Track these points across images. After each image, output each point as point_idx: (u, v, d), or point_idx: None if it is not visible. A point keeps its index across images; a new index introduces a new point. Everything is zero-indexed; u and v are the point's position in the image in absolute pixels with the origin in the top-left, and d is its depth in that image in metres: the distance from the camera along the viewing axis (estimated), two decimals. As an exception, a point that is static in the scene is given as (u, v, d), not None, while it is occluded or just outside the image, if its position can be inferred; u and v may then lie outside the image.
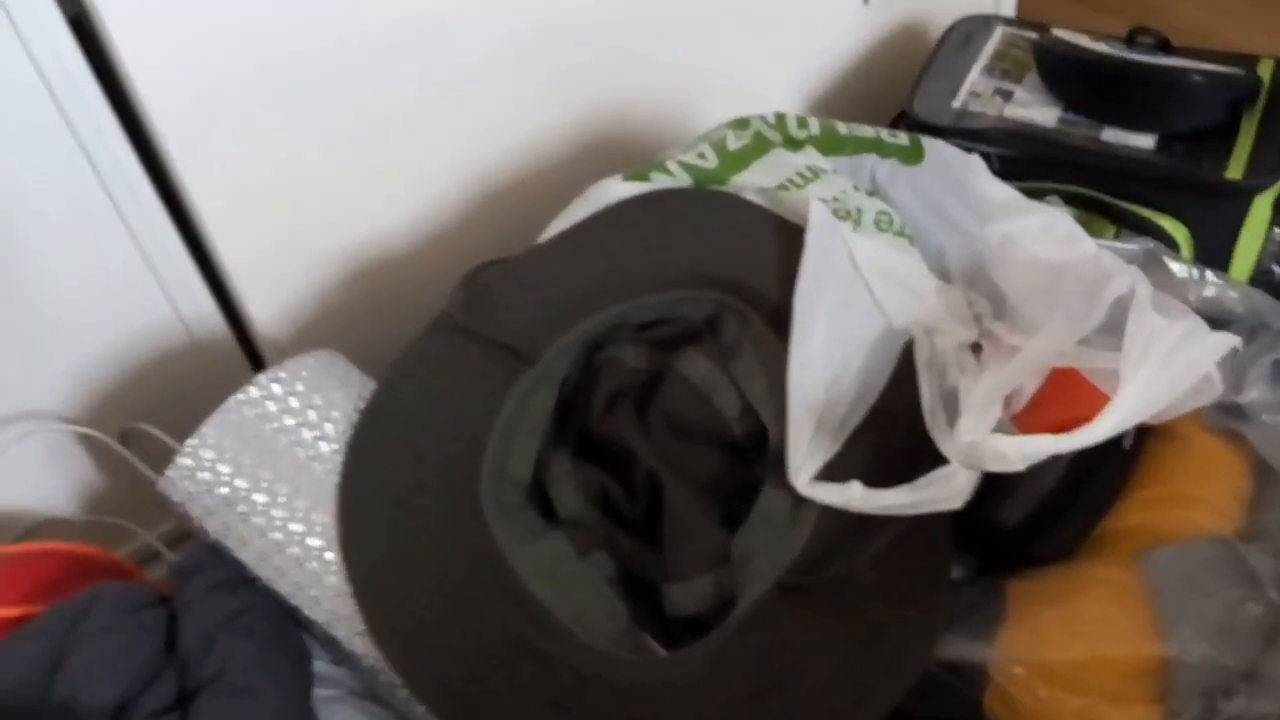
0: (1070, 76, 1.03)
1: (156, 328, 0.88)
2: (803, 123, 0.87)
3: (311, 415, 0.72)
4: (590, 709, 0.63)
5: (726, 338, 0.74)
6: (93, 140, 0.75)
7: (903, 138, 0.87)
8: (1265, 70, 1.01)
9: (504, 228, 0.94)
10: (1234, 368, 0.73)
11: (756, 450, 0.71)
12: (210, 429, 0.71)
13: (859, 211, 0.78)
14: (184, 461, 0.71)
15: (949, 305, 0.75)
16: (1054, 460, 0.65)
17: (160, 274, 0.85)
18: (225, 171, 0.82)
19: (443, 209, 0.96)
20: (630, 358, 0.76)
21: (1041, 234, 0.77)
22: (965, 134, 0.99)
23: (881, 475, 0.65)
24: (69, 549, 0.78)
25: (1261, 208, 0.94)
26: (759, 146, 0.83)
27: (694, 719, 0.63)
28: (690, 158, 0.82)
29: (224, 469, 0.70)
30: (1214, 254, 0.93)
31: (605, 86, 1.01)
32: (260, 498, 0.70)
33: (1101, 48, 1.03)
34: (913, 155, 0.86)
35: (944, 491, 0.64)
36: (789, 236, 0.75)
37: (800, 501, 0.66)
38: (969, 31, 1.13)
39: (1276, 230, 0.98)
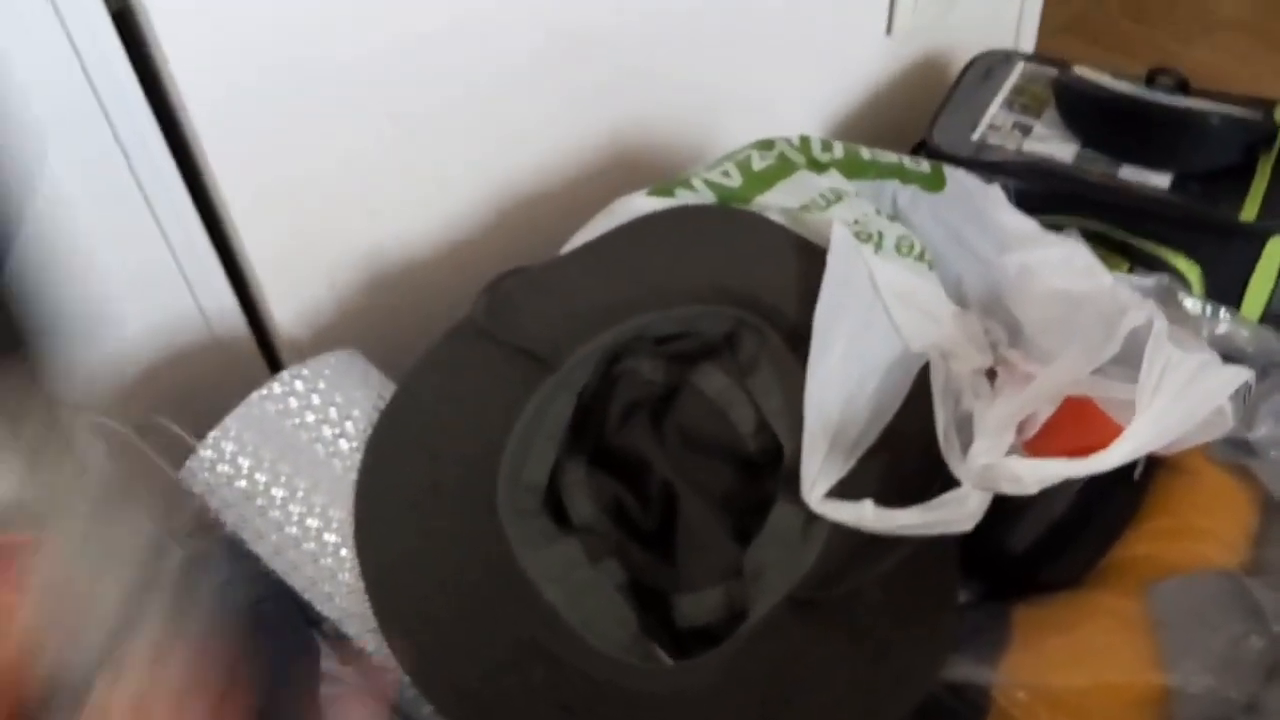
0: (1089, 113, 1.04)
1: (178, 322, 0.88)
2: (827, 146, 0.88)
3: (333, 413, 0.73)
4: (600, 714, 0.63)
5: (744, 354, 0.75)
6: (130, 135, 0.76)
7: (924, 165, 0.88)
8: (1282, 115, 1.02)
9: (526, 238, 0.95)
10: (1245, 404, 0.74)
11: (770, 466, 0.72)
12: (233, 422, 0.71)
13: (880, 235, 0.79)
14: (205, 453, 0.71)
15: (966, 331, 0.76)
16: (1064, 487, 0.66)
17: (185, 269, 0.86)
18: (256, 170, 0.83)
19: (466, 216, 0.97)
20: (648, 370, 0.77)
21: (1059, 265, 0.78)
22: (983, 166, 1.00)
23: (894, 495, 0.66)
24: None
25: (1275, 250, 0.95)
26: (783, 168, 0.84)
27: (702, 728, 0.63)
28: (715, 176, 0.83)
29: (244, 462, 0.71)
30: (1225, 294, 0.94)
31: (629, 103, 1.03)
32: (279, 492, 0.70)
33: (1121, 86, 1.04)
34: (934, 183, 0.87)
35: (955, 513, 0.65)
36: (810, 257, 0.76)
37: (812, 518, 0.67)
38: (990, 65, 1.15)
39: (1288, 273, 0.99)
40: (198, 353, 0.90)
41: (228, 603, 0.67)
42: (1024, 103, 1.09)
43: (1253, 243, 0.95)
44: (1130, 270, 0.95)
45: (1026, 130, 1.06)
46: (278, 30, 0.79)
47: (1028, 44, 1.38)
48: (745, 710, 0.63)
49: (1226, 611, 0.66)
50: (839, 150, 0.88)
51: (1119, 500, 0.71)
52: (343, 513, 0.70)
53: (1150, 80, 1.06)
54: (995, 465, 0.63)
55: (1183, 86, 1.05)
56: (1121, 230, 0.97)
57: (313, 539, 0.70)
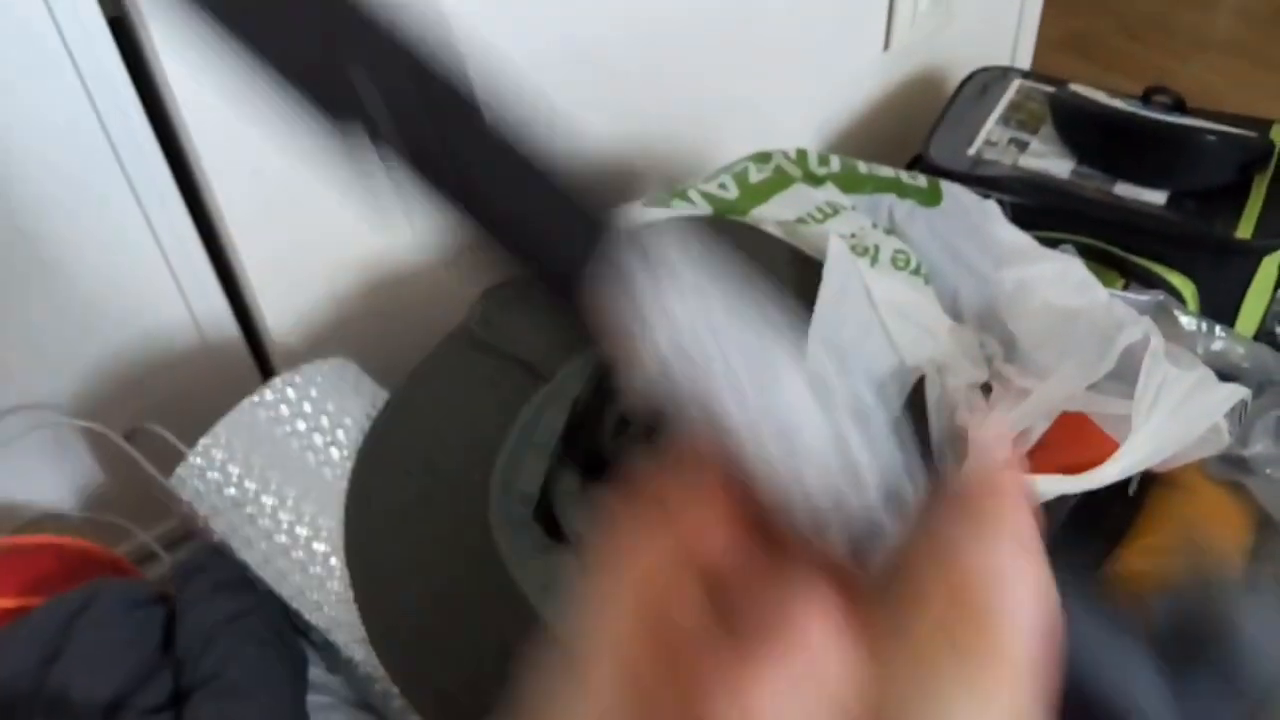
0: (1085, 130, 1.04)
1: (169, 327, 0.88)
2: (824, 160, 0.88)
3: (324, 421, 0.73)
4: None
5: (739, 366, 0.75)
6: (124, 140, 0.76)
7: (921, 180, 0.88)
8: (1277, 134, 1.02)
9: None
10: (1240, 421, 0.73)
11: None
12: (224, 428, 0.71)
13: (876, 249, 0.79)
14: (195, 460, 0.71)
15: (961, 345, 0.76)
16: (1060, 502, 0.65)
17: (178, 274, 0.85)
18: (251, 176, 0.82)
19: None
20: (642, 381, 0.76)
21: (1055, 280, 0.78)
22: (979, 181, 1.00)
23: (888, 509, 0.65)
24: (70, 543, 0.78)
25: (1269, 268, 0.96)
26: (780, 180, 0.84)
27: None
28: (711, 188, 0.83)
29: (234, 469, 0.70)
30: (1220, 311, 0.94)
31: (626, 114, 1.03)
32: (268, 500, 0.70)
33: (1117, 104, 1.04)
34: (931, 198, 0.87)
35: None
36: (806, 269, 0.75)
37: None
38: (986, 82, 1.15)
39: (1282, 291, 0.99)
40: (189, 359, 0.90)
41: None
42: (1020, 119, 1.09)
43: (1248, 260, 0.95)
44: (1126, 286, 0.95)
45: (1023, 146, 1.06)
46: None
47: (1024, 61, 1.39)
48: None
49: (1221, 629, 0.66)
50: (836, 164, 0.88)
51: (1114, 516, 0.71)
52: (332, 521, 0.70)
53: (1146, 98, 1.06)
54: (990, 480, 0.63)
55: (1179, 105, 1.05)
56: (1117, 246, 0.97)
57: (301, 547, 0.69)
